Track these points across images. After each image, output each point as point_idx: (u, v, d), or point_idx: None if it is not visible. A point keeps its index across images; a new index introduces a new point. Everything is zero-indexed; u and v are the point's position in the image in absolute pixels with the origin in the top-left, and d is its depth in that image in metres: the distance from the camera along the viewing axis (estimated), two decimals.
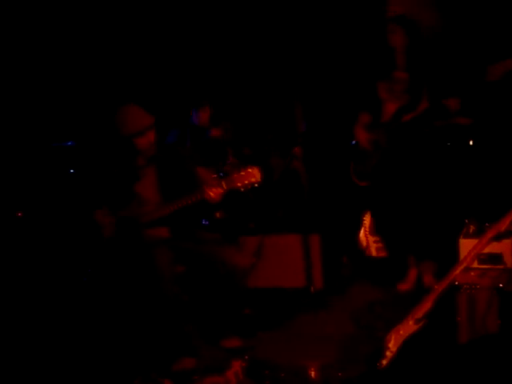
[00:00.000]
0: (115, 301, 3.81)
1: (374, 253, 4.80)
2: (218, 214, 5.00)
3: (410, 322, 2.88)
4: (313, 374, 3.27)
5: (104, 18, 5.78)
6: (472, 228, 3.45)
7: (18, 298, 4.46)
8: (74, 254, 4.13)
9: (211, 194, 3.62)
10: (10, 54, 5.40)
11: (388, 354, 2.86)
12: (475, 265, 3.29)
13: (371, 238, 4.80)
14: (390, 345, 2.87)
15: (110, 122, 3.83)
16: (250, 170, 3.60)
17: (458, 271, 3.01)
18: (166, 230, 3.82)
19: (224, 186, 3.63)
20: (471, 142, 4.54)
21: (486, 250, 3.21)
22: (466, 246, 3.26)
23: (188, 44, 6.09)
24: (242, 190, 3.61)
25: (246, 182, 3.59)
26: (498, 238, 3.07)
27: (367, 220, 4.81)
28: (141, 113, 3.82)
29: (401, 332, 2.89)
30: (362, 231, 4.83)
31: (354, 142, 4.60)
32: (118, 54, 5.87)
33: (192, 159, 4.07)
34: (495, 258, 3.29)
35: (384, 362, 2.85)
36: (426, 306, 2.89)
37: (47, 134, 5.52)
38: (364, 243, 4.83)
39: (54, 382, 3.57)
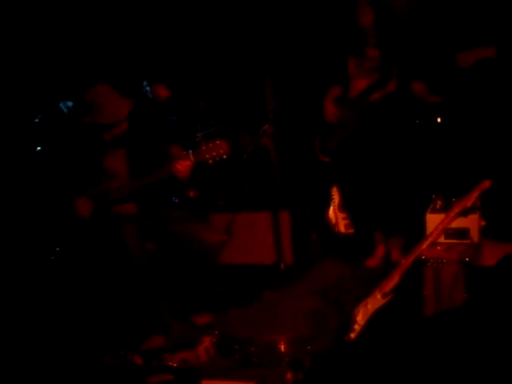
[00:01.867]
0: (84, 279, 3.79)
1: (342, 229, 4.83)
2: (191, 193, 4.97)
3: (378, 296, 2.92)
4: (282, 347, 3.31)
5: None
6: (439, 203, 3.48)
7: None
8: (41, 233, 4.08)
9: (179, 167, 3.58)
10: None
11: (356, 327, 2.89)
12: (442, 239, 3.34)
13: (340, 215, 4.83)
14: (358, 318, 2.90)
15: (82, 103, 3.73)
16: (217, 142, 3.57)
17: (424, 246, 3.05)
18: (135, 206, 3.80)
19: (192, 158, 3.59)
20: (439, 119, 4.58)
21: (453, 225, 3.25)
22: (433, 220, 3.30)
23: (157, 21, 6.01)
24: (211, 162, 3.57)
25: (214, 153, 3.55)
26: (465, 213, 3.12)
27: (336, 197, 4.84)
28: (120, 99, 3.74)
29: (368, 306, 2.92)
30: (330, 208, 4.86)
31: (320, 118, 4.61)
32: (85, 28, 5.76)
33: (163, 135, 4.03)
34: (462, 233, 3.34)
35: (352, 335, 2.88)
36: (394, 280, 2.93)
37: (13, 110, 5.42)
38: (333, 220, 4.85)
39: (21, 360, 3.55)
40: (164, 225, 3.83)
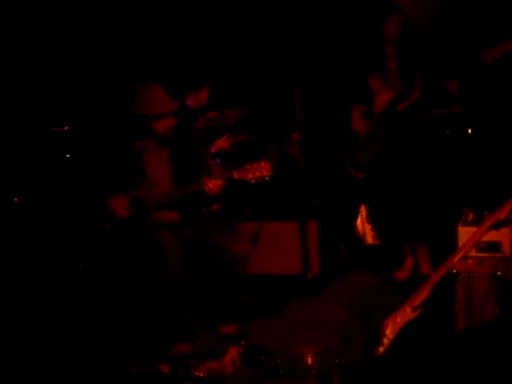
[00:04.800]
0: (113, 285, 3.80)
1: (370, 241, 4.80)
2: (214, 207, 4.98)
3: (408, 310, 2.88)
4: (309, 359, 3.28)
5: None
6: (471, 216, 3.45)
7: (14, 284, 4.43)
8: (71, 240, 4.10)
9: (211, 186, 3.63)
10: (6, 35, 5.34)
11: (385, 341, 2.86)
12: (473, 253, 3.29)
13: (368, 226, 4.80)
14: (387, 332, 2.87)
15: (128, 100, 3.79)
16: (262, 164, 3.62)
17: (456, 259, 3.00)
18: (173, 214, 3.83)
19: (235, 175, 3.64)
20: (470, 130, 4.53)
21: (485, 239, 3.20)
22: (465, 233, 3.26)
23: (187, 30, 6.04)
24: (253, 181, 3.62)
25: (258, 174, 3.62)
26: (497, 226, 3.07)
27: (364, 208, 4.81)
28: (166, 96, 3.82)
29: (398, 319, 2.88)
30: (359, 219, 4.83)
31: (348, 132, 4.61)
32: (117, 37, 5.81)
33: (202, 144, 4.07)
34: (494, 247, 3.29)
35: (381, 349, 2.85)
36: (424, 293, 2.88)
37: (46, 118, 5.46)
38: (361, 231, 4.82)
39: (49, 368, 3.56)
40: (194, 234, 3.84)
